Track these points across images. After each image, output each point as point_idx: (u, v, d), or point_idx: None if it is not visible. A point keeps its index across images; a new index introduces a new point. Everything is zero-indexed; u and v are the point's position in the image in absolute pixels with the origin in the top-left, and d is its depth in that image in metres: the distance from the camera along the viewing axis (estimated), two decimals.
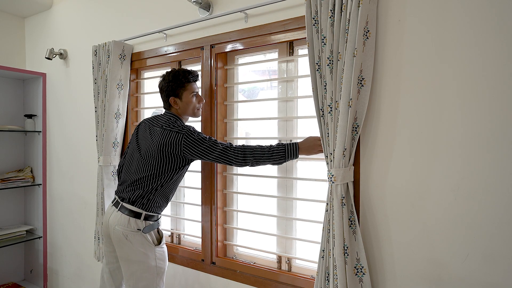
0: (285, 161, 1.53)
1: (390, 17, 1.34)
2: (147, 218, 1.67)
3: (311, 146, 1.50)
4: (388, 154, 1.36)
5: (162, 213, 1.78)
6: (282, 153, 1.50)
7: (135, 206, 1.65)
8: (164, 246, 1.74)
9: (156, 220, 1.71)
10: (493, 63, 1.16)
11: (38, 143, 2.92)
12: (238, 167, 1.65)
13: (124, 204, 1.67)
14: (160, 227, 1.76)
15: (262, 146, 1.55)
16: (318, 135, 1.45)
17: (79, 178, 2.67)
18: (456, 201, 1.23)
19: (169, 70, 1.77)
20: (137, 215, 1.65)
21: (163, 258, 1.71)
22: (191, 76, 1.72)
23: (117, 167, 2.08)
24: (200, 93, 1.81)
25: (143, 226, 1.65)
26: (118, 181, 1.83)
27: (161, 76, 1.77)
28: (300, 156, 1.51)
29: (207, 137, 1.61)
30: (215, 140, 1.60)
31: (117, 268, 1.81)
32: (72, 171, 2.72)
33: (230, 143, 1.60)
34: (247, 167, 1.58)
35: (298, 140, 1.56)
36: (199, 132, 1.64)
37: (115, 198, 1.76)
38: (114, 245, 1.69)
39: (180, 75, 1.70)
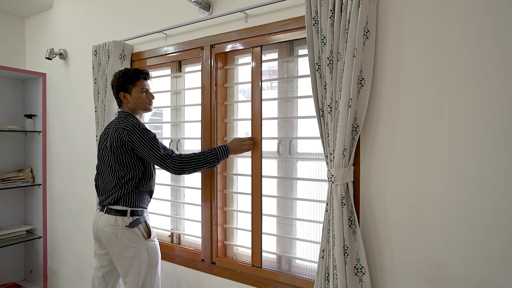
0: (218, 163, 1.70)
1: (390, 17, 1.34)
2: (132, 214, 1.71)
3: (237, 147, 1.72)
4: (388, 154, 1.36)
5: (149, 208, 1.84)
6: (215, 156, 1.68)
7: (119, 205, 1.70)
8: (155, 240, 1.78)
9: (142, 215, 1.75)
10: (493, 63, 1.16)
11: (38, 143, 2.91)
12: (175, 175, 1.72)
13: (109, 206, 1.72)
14: (148, 221, 1.78)
15: (196, 153, 1.69)
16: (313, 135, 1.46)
17: (79, 178, 2.67)
18: (456, 201, 1.23)
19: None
20: (123, 213, 1.70)
21: (156, 252, 1.75)
22: (141, 73, 1.80)
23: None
24: (150, 91, 1.87)
25: (129, 221, 1.69)
26: (98, 194, 1.85)
27: (112, 75, 1.84)
28: (230, 155, 1.72)
29: (153, 136, 1.67)
30: (157, 144, 1.66)
31: (110, 271, 1.83)
32: (72, 171, 2.72)
33: (172, 150, 1.69)
34: (184, 174, 1.71)
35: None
36: (147, 130, 1.69)
37: (100, 207, 1.79)
38: (106, 246, 1.73)
39: (130, 72, 1.79)
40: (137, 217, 1.71)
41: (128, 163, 1.69)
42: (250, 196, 1.80)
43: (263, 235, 1.81)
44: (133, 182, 1.70)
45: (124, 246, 1.67)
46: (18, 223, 2.99)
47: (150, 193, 1.81)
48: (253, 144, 1.76)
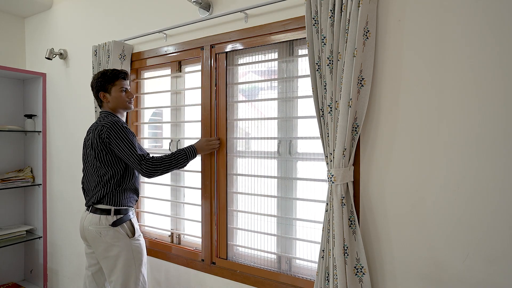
0: (188, 162, 1.76)
1: (390, 17, 1.34)
2: (117, 212, 1.72)
3: (204, 147, 1.81)
4: (388, 154, 1.36)
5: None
6: (184, 157, 1.73)
7: (103, 204, 1.71)
8: (141, 239, 1.78)
9: (126, 213, 1.75)
10: (493, 63, 1.16)
11: (38, 143, 2.91)
12: (146, 177, 1.73)
13: (94, 205, 1.73)
14: (134, 220, 1.78)
15: (167, 155, 1.71)
16: (317, 135, 1.45)
17: (79, 178, 2.66)
18: (456, 201, 1.23)
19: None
20: (107, 212, 1.71)
21: (140, 251, 1.76)
22: (120, 73, 1.82)
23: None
24: (131, 90, 1.92)
25: (113, 220, 1.70)
26: (84, 195, 1.86)
27: (92, 77, 1.87)
28: (198, 154, 1.79)
29: (132, 136, 1.69)
30: (134, 143, 1.67)
31: (98, 270, 1.84)
32: (72, 171, 2.72)
33: (148, 153, 1.70)
34: (155, 177, 1.71)
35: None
36: (126, 129, 1.70)
37: (86, 207, 1.80)
38: (91, 245, 1.74)
39: (108, 72, 1.82)
40: (121, 216, 1.72)
41: (109, 161, 1.70)
42: (250, 196, 1.80)
43: (264, 235, 1.81)
44: (114, 180, 1.71)
45: (108, 245, 1.68)
46: (18, 223, 2.99)
47: (136, 191, 1.81)
48: (219, 144, 1.86)
